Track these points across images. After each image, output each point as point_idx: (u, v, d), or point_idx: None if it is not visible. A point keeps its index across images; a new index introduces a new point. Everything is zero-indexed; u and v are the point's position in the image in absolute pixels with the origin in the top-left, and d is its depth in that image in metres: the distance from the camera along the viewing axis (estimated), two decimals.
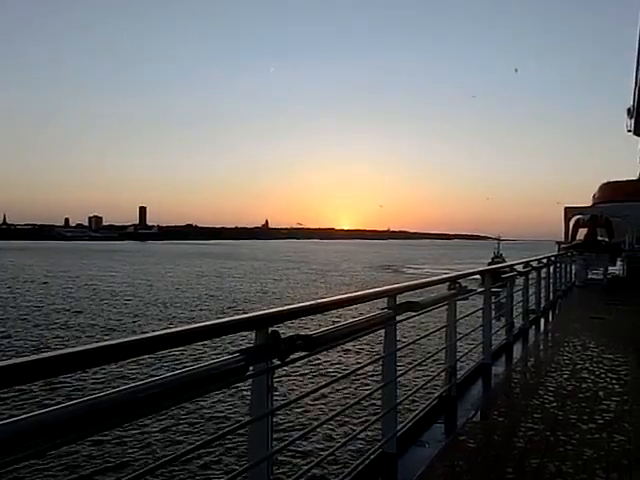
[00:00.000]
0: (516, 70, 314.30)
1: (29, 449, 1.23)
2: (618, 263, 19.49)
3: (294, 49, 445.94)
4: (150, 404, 1.58)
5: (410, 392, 4.02)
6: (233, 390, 9.38)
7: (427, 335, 4.49)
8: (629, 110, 23.94)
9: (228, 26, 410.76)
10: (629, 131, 25.05)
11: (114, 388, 1.47)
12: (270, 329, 2.09)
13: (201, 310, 24.70)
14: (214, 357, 1.87)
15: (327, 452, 2.95)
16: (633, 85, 20.39)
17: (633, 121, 23.96)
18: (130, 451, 8.31)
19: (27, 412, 1.26)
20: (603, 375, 5.31)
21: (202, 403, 9.72)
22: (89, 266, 53.47)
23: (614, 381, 5.10)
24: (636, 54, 18.33)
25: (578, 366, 5.71)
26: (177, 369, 1.69)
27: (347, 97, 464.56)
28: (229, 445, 7.81)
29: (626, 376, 5.34)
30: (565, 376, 5.28)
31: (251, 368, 1.98)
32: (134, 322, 21.29)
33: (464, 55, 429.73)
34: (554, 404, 4.35)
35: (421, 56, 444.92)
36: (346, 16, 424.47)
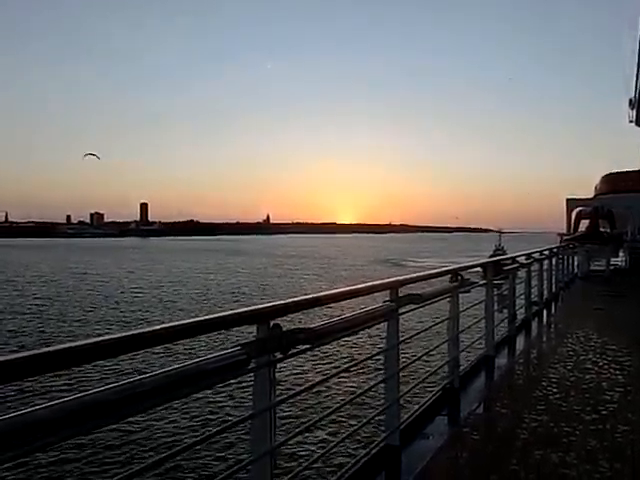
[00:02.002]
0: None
1: (33, 443, 1.23)
2: (620, 254, 19.48)
3: (295, 44, 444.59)
4: (151, 398, 1.57)
5: (413, 384, 4.01)
6: (235, 384, 9.39)
7: (429, 327, 4.49)
8: (631, 101, 23.85)
9: (228, 21, 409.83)
10: (631, 122, 24.99)
11: (114, 382, 1.46)
12: (272, 322, 2.08)
13: (205, 304, 24.77)
14: (216, 351, 1.86)
15: (330, 445, 2.94)
16: (635, 76, 20.34)
17: (635, 112, 23.89)
18: (131, 446, 8.33)
19: (41, 403, 1.25)
20: (606, 366, 5.31)
21: (204, 397, 9.74)
22: (93, 263, 53.53)
23: (617, 372, 5.10)
24: (637, 45, 18.28)
25: (581, 357, 5.70)
26: (179, 363, 1.69)
27: (348, 92, 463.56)
28: (231, 439, 7.82)
29: (629, 367, 5.33)
30: (568, 367, 5.27)
31: (253, 362, 1.97)
32: (138, 318, 21.34)
33: (465, 51, 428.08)
34: (557, 395, 4.35)
35: (422, 52, 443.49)
36: (347, 11, 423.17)
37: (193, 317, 1.91)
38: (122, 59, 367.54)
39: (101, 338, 1.53)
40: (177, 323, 1.80)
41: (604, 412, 3.93)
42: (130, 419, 7.41)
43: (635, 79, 20.55)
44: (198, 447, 2.09)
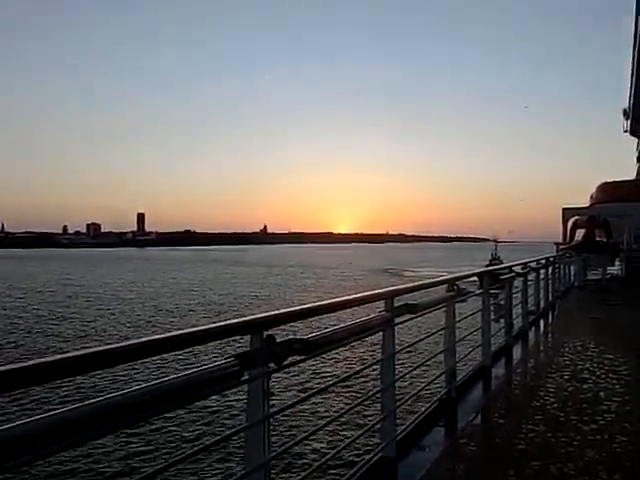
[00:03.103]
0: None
1: (20, 457, 1.21)
2: (617, 263, 19.53)
3: (294, 53, 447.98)
4: (143, 410, 1.55)
5: (409, 395, 3.98)
6: (229, 395, 9.32)
7: (426, 337, 4.46)
8: (625, 111, 24.06)
9: (227, 30, 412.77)
10: (625, 131, 25.19)
11: (106, 395, 1.44)
12: (266, 333, 2.06)
13: (202, 315, 24.66)
14: (209, 362, 1.84)
15: (326, 457, 2.91)
16: (628, 86, 20.48)
17: (629, 122, 24.08)
18: (121, 459, 8.19)
19: (16, 420, 1.23)
20: (604, 376, 5.28)
21: (197, 409, 9.63)
22: (91, 274, 53.27)
23: (615, 381, 5.08)
24: (630, 56, 18.42)
25: (578, 367, 5.68)
26: (171, 375, 1.67)
27: (345, 101, 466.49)
28: (225, 452, 7.71)
29: (627, 376, 5.31)
30: (565, 377, 5.25)
31: (246, 373, 1.95)
32: (133, 328, 21.23)
33: (463, 57, 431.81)
34: (555, 405, 4.32)
35: (420, 60, 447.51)
36: (346, 20, 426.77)
37: (188, 328, 1.89)
38: (120, 69, 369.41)
39: (93, 349, 1.50)
40: (170, 334, 1.78)
41: (602, 422, 3.90)
42: (121, 432, 7.33)
43: (629, 89, 20.70)
44: (191, 460, 2.06)
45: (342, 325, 2.69)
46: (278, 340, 2.07)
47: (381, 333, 3.25)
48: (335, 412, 8.26)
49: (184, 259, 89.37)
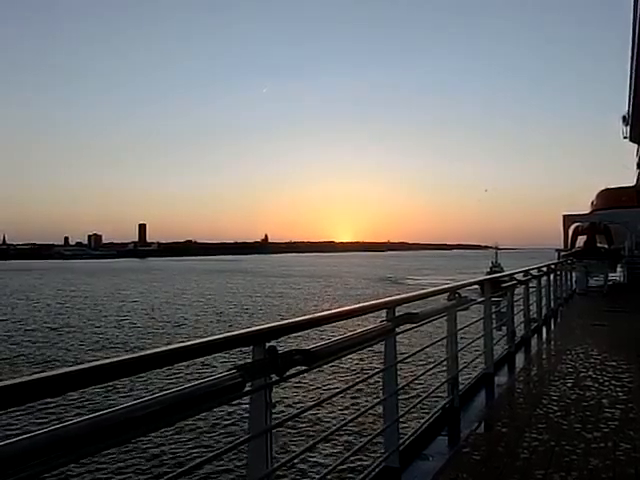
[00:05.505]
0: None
1: (24, 471, 1.20)
2: (618, 269, 19.49)
3: (292, 64, 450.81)
4: (146, 423, 1.55)
5: (412, 404, 3.97)
6: (231, 407, 9.28)
7: (428, 346, 4.45)
8: (624, 117, 24.08)
9: (226, 43, 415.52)
10: (625, 138, 25.21)
11: (108, 408, 1.44)
12: (267, 344, 2.07)
13: (205, 326, 24.61)
14: (211, 374, 1.85)
15: (328, 468, 2.90)
16: (627, 93, 20.54)
17: (628, 128, 24.11)
18: (124, 472, 8.15)
19: (21, 433, 1.23)
20: (607, 383, 5.27)
21: (199, 421, 9.59)
22: (96, 286, 53.15)
23: (618, 389, 5.06)
24: (629, 62, 18.50)
25: (581, 374, 5.66)
26: (173, 387, 1.67)
27: (344, 111, 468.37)
28: (228, 464, 7.67)
29: (630, 383, 5.29)
30: (568, 385, 5.23)
31: (249, 384, 1.95)
32: (137, 339, 21.18)
33: (460, 65, 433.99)
34: (558, 413, 4.31)
35: (417, 69, 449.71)
36: (341, 32, 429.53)
37: (190, 340, 1.90)
38: (121, 79, 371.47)
39: (95, 363, 1.51)
40: (172, 346, 1.79)
41: (606, 430, 3.89)
42: (123, 445, 7.27)
43: (628, 96, 20.76)
44: (194, 472, 2.06)
45: (344, 335, 2.70)
46: (280, 351, 2.07)
47: (383, 343, 3.25)
48: (337, 422, 8.23)
49: (187, 269, 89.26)
